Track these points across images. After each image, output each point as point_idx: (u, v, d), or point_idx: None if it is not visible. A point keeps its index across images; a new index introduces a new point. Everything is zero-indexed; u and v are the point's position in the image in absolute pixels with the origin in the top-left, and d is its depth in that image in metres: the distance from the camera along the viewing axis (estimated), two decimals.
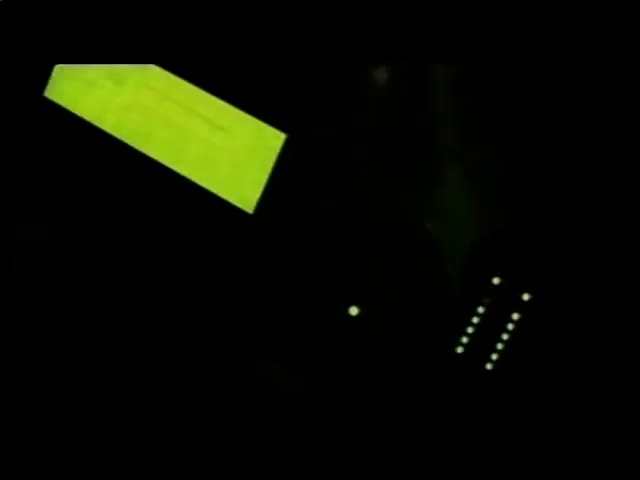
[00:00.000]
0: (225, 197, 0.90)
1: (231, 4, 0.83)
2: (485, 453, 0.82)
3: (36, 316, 0.90)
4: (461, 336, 0.84)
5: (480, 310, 0.83)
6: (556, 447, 0.80)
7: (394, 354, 0.85)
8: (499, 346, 0.83)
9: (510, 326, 0.83)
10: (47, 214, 0.94)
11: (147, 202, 0.92)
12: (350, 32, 0.79)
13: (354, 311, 0.86)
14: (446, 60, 0.79)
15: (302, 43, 0.81)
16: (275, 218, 0.89)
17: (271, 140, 0.89)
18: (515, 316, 0.82)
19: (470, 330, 0.84)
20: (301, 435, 0.83)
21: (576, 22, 0.75)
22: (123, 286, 0.90)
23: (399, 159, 0.86)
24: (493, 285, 0.83)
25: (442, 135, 0.84)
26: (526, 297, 0.82)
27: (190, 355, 0.88)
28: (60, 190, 0.94)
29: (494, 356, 0.83)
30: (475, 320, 0.84)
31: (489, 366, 0.83)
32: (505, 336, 0.83)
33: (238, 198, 0.90)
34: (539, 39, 0.76)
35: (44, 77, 0.94)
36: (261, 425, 0.84)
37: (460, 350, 0.84)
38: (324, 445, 0.83)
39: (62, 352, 0.89)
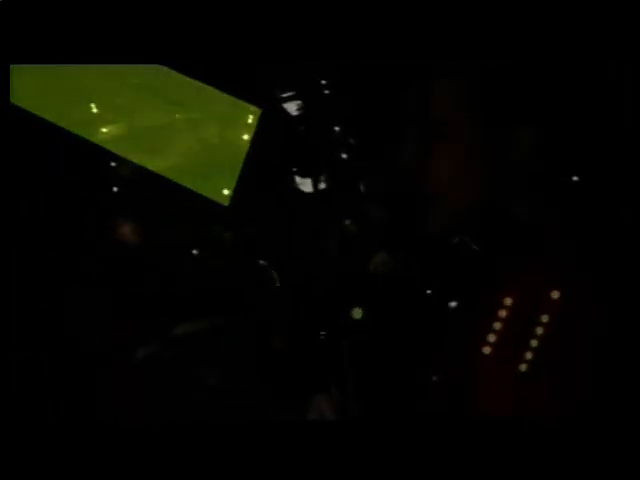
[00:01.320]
0: (198, 190, 0.79)
1: None
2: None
3: None
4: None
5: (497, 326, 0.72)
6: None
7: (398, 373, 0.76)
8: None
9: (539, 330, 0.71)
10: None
11: (111, 199, 0.83)
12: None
13: (358, 314, 0.75)
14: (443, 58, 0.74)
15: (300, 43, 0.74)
16: (252, 209, 0.77)
17: (246, 116, 0.76)
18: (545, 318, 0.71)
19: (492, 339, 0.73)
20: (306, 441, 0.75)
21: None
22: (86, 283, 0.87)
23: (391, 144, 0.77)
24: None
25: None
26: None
27: (170, 358, 0.82)
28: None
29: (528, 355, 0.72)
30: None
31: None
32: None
33: (211, 190, 0.78)
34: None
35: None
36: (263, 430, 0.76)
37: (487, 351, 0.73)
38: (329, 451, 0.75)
39: None
